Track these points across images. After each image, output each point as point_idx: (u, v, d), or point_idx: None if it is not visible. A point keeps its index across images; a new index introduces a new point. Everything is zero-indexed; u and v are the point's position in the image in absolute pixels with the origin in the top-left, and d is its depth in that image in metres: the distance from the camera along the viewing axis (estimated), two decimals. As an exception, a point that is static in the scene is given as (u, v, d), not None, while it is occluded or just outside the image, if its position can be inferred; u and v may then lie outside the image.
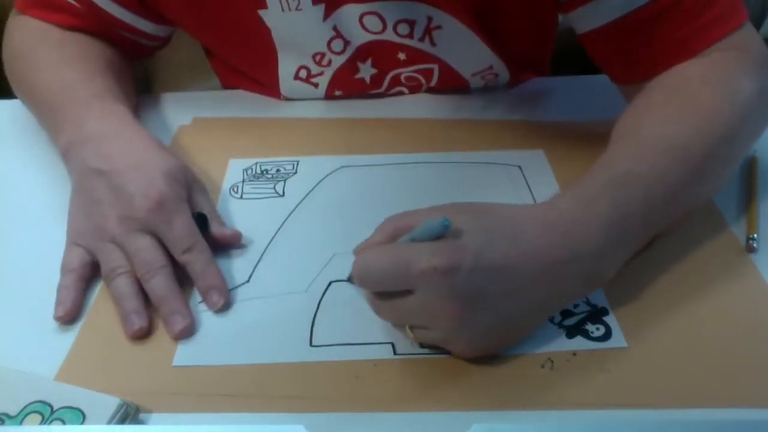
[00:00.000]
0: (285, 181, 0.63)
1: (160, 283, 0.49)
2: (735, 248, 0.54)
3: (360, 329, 0.48)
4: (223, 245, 0.55)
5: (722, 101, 0.54)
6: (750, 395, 0.43)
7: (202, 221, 0.54)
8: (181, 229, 0.51)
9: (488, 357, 0.45)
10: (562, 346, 0.46)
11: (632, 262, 0.52)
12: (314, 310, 0.49)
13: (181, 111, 0.73)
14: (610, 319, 0.48)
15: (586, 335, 0.47)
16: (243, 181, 0.63)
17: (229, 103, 0.76)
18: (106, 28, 0.69)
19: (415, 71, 0.72)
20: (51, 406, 0.42)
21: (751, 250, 0.53)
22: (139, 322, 0.48)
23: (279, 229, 0.57)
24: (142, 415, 0.43)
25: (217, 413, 0.43)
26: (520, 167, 0.63)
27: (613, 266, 0.48)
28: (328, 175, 0.63)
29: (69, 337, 0.48)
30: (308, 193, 0.61)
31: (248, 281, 0.52)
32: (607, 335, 0.47)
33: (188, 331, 0.48)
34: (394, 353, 0.46)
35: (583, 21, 0.61)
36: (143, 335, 0.48)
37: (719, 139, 0.52)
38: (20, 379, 0.44)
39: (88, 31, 0.68)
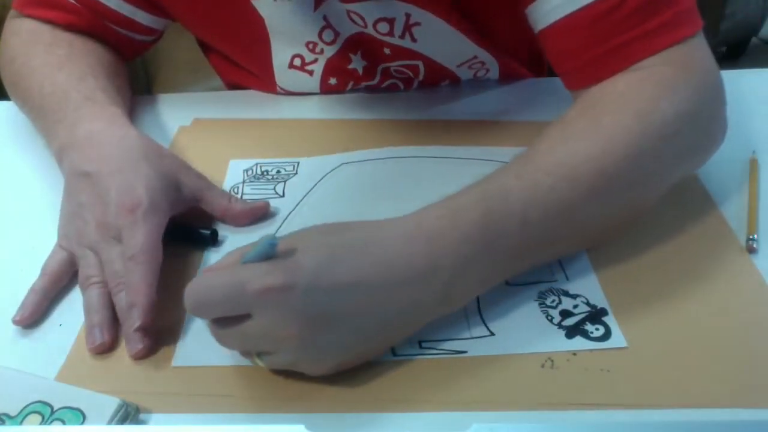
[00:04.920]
0: (285, 182, 0.63)
1: (124, 299, 0.48)
2: (735, 248, 0.54)
3: None
4: (253, 220, 0.57)
5: (632, 120, 0.50)
6: (750, 395, 0.43)
7: (213, 237, 0.55)
8: (137, 237, 0.49)
9: (488, 357, 0.46)
10: (561, 346, 0.46)
11: (632, 262, 0.52)
12: None
13: (181, 111, 0.73)
14: (610, 319, 0.48)
15: (586, 335, 0.47)
16: (243, 182, 0.63)
17: (230, 103, 0.76)
18: (100, 25, 0.69)
19: (402, 66, 0.72)
20: (51, 407, 0.42)
21: (751, 250, 0.53)
22: (100, 338, 0.47)
23: (279, 229, 0.57)
24: (142, 415, 0.43)
25: (217, 413, 0.43)
26: None
27: (473, 285, 0.46)
28: (328, 173, 0.63)
29: (69, 337, 0.48)
30: (308, 192, 0.61)
31: None
32: (607, 335, 0.47)
33: (144, 353, 0.46)
34: (393, 355, 0.46)
35: (534, 20, 0.58)
36: (105, 350, 0.47)
37: (620, 159, 0.48)
38: (20, 379, 0.44)
39: (82, 28, 0.68)
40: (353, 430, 0.42)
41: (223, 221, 0.58)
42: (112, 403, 0.42)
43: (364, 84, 0.74)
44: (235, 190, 0.62)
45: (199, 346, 0.47)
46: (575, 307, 0.49)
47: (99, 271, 0.50)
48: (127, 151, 0.55)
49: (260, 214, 0.58)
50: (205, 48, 0.81)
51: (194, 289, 0.42)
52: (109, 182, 0.52)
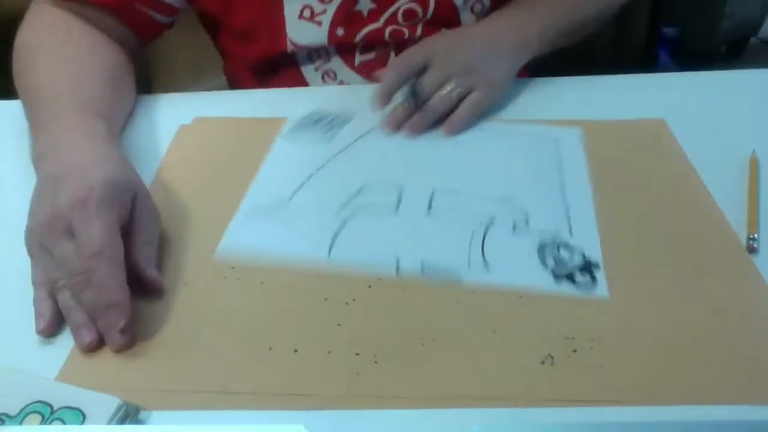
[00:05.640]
0: (337, 129, 0.69)
1: (88, 296, 0.47)
2: (735, 248, 0.54)
3: (373, 249, 0.54)
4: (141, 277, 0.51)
5: None
6: (750, 394, 0.43)
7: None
8: (94, 232, 0.47)
9: (487, 356, 0.46)
10: (548, 287, 0.50)
11: (632, 261, 0.52)
12: (338, 229, 0.56)
13: (181, 111, 0.73)
14: (600, 273, 0.51)
15: (573, 281, 0.51)
16: (297, 127, 0.70)
17: (230, 102, 0.76)
18: (126, 3, 0.71)
19: (413, 1, 0.76)
20: (51, 406, 0.42)
21: (751, 249, 0.53)
22: (89, 336, 0.47)
23: (324, 164, 0.64)
24: (142, 414, 0.43)
25: (217, 410, 0.43)
26: (555, 141, 0.67)
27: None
28: (375, 127, 0.70)
29: (69, 337, 0.48)
30: (353, 142, 0.68)
31: (290, 200, 0.60)
32: (593, 286, 0.50)
33: (128, 344, 0.47)
34: (397, 273, 0.52)
35: None
36: (95, 348, 0.47)
37: None
38: (20, 379, 0.44)
39: (107, 6, 0.70)
40: (354, 429, 0.42)
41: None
42: (112, 403, 0.42)
43: (368, 28, 0.78)
44: (290, 133, 0.69)
45: (246, 231, 0.56)
46: (571, 257, 0.53)
47: (62, 271, 0.49)
48: (96, 159, 0.53)
49: (146, 283, 0.51)
50: (215, 30, 0.84)
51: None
52: (68, 181, 0.51)
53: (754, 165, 0.61)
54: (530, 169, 0.64)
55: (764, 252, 0.53)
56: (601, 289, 0.50)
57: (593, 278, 0.51)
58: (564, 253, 0.53)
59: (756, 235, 0.54)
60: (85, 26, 0.71)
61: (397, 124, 0.69)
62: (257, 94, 0.78)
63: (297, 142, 0.68)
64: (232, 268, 0.54)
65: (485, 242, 0.54)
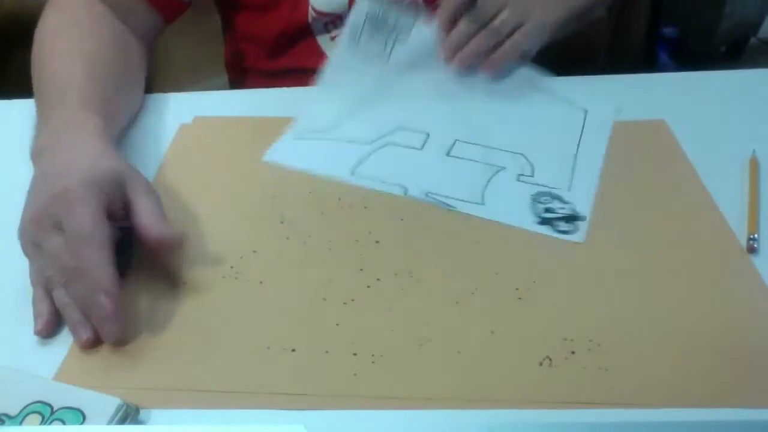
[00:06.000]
0: (395, 45, 0.72)
1: (80, 290, 0.47)
2: (735, 248, 0.54)
3: (389, 174, 0.62)
4: (159, 248, 0.51)
5: None
6: (749, 395, 0.43)
7: None
8: (79, 219, 0.47)
9: (485, 357, 0.46)
10: (529, 227, 0.56)
11: (632, 261, 0.52)
12: (366, 155, 0.64)
13: (181, 110, 0.73)
14: (582, 224, 0.56)
15: (553, 227, 0.56)
16: (364, 24, 0.72)
17: (230, 102, 0.76)
18: None
19: None
20: (51, 407, 0.42)
21: (751, 250, 0.53)
22: (85, 333, 0.47)
23: (371, 101, 0.70)
24: (142, 413, 0.43)
25: (217, 410, 0.43)
26: (586, 111, 0.70)
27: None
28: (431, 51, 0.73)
29: (69, 337, 0.48)
30: (408, 69, 0.72)
31: (333, 129, 0.68)
32: (571, 233, 0.55)
33: (121, 334, 0.47)
34: (405, 194, 0.60)
35: None
36: (92, 345, 0.47)
37: None
38: (20, 379, 0.44)
39: None
40: (353, 429, 0.42)
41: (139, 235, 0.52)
42: (112, 403, 0.42)
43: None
44: (355, 37, 0.72)
45: (291, 148, 0.66)
46: (561, 209, 0.57)
47: (54, 267, 0.49)
48: (90, 157, 0.53)
49: (169, 248, 0.53)
50: (232, 7, 0.84)
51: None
52: (56, 176, 0.51)
53: (754, 165, 0.61)
54: (552, 134, 0.68)
55: (764, 252, 0.53)
56: (579, 236, 0.55)
57: (575, 227, 0.55)
58: (555, 204, 0.58)
59: (756, 235, 0.54)
60: (109, 15, 0.72)
61: (454, 50, 0.71)
62: (257, 93, 0.78)
63: (357, 56, 0.73)
64: (231, 267, 0.54)
65: (489, 185, 0.61)
